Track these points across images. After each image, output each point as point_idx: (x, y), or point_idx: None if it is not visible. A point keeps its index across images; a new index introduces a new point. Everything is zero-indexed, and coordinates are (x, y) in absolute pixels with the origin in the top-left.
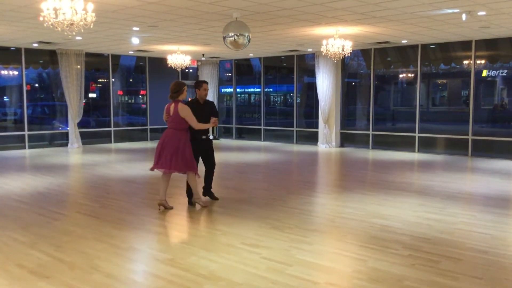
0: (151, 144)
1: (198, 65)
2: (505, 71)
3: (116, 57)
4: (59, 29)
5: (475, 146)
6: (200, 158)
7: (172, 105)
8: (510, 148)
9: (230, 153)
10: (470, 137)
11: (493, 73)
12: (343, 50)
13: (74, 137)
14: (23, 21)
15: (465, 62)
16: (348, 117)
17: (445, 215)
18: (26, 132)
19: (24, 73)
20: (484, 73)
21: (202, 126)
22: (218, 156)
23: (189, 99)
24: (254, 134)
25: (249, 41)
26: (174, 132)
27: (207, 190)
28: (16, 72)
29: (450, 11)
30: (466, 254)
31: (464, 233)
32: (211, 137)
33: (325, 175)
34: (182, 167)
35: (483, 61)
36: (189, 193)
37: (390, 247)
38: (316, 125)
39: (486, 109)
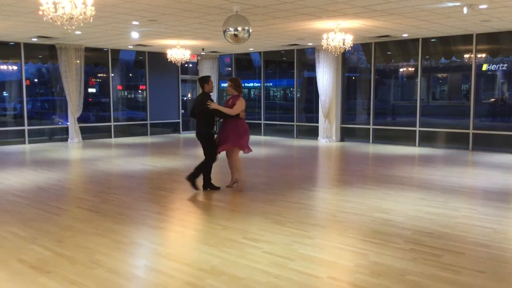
0: (151, 139)
1: (198, 59)
2: (506, 65)
3: (115, 52)
4: (59, 23)
5: (475, 140)
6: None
7: (241, 99)
8: (511, 142)
9: None
10: (470, 131)
11: (493, 67)
12: (343, 44)
13: (74, 132)
14: (22, 15)
15: (466, 56)
16: (348, 111)
17: (447, 209)
18: (26, 127)
19: (23, 68)
20: (485, 67)
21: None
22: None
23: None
24: (254, 129)
25: (249, 35)
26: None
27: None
28: (15, 67)
29: (451, 4)
30: (468, 248)
31: (466, 227)
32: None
33: (326, 169)
34: None
35: (483, 55)
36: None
37: (392, 241)
38: (316, 120)
39: (486, 103)
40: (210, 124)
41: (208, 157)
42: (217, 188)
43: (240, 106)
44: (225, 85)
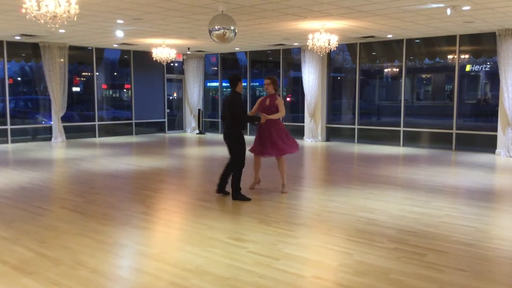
0: (136, 139)
1: (183, 59)
2: (488, 65)
3: (100, 51)
4: (42, 21)
5: (459, 140)
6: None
7: (280, 99)
8: (493, 142)
9: (216, 147)
10: (454, 131)
11: (476, 67)
12: (329, 45)
13: (57, 131)
14: (4, 13)
15: (450, 56)
16: (333, 111)
17: (430, 208)
18: (8, 126)
19: (6, 66)
20: (468, 67)
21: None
22: (204, 151)
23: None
24: None
25: (235, 34)
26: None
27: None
28: None
29: (435, 5)
30: (451, 247)
31: (449, 226)
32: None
33: (311, 169)
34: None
35: (467, 56)
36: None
37: (376, 240)
38: (302, 120)
39: (469, 103)
40: (242, 125)
41: (237, 161)
42: (228, 194)
43: (283, 107)
44: (212, 84)
